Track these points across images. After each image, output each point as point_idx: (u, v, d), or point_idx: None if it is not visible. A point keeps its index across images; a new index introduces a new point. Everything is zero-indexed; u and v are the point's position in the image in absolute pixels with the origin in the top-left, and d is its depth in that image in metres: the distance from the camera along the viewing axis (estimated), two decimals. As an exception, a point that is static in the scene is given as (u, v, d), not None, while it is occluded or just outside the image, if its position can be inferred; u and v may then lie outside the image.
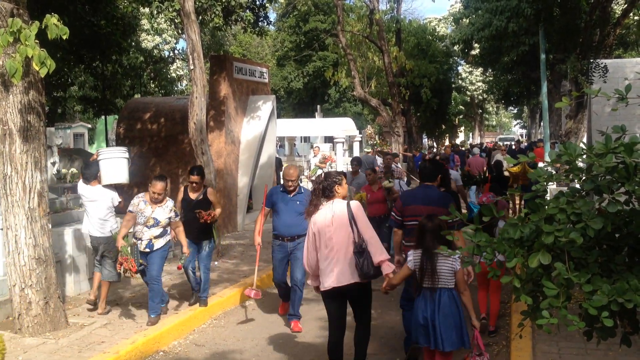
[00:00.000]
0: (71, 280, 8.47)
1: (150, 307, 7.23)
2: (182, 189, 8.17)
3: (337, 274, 5.19)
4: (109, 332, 6.86)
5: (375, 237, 5.26)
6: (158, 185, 7.20)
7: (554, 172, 3.16)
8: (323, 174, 5.76)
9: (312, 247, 5.39)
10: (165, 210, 7.31)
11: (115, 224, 7.91)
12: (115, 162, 8.04)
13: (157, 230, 7.27)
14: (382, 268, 5.14)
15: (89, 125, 28.64)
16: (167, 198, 7.39)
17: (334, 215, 5.28)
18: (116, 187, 8.03)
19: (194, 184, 7.94)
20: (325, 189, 5.41)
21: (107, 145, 19.90)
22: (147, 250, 7.22)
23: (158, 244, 7.27)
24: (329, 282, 5.23)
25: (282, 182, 7.74)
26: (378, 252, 5.14)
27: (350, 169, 12.08)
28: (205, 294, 7.93)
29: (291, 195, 7.27)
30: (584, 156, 2.99)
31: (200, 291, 7.91)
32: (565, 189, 3.35)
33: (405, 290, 5.86)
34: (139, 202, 7.30)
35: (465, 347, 4.85)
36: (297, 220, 7.14)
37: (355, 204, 5.38)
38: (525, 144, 31.44)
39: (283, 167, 6.93)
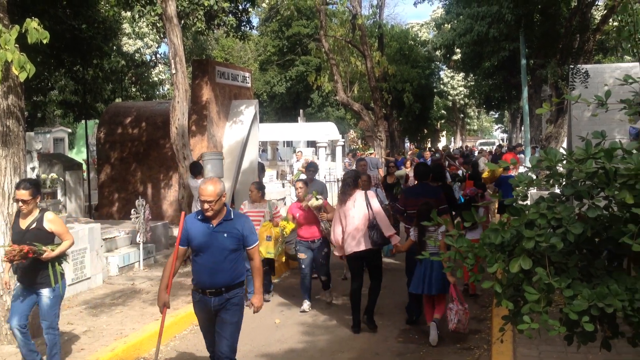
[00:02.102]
0: (51, 286, 8.32)
1: None
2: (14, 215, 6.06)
3: (356, 242, 7.17)
4: (88, 339, 6.79)
5: (384, 216, 7.25)
6: None
7: (534, 177, 3.18)
8: (348, 171, 7.81)
9: (338, 224, 7.33)
10: None
11: None
12: (213, 162, 10.47)
13: None
14: (391, 239, 7.20)
15: (69, 130, 28.24)
16: None
17: (355, 200, 7.25)
18: None
19: (21, 204, 5.49)
20: (354, 181, 7.37)
21: (88, 150, 19.75)
22: None
23: None
24: (351, 248, 7.21)
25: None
26: (387, 229, 7.16)
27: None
28: None
29: (214, 225, 4.85)
30: (564, 162, 3.01)
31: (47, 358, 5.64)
32: (545, 193, 3.36)
33: (408, 265, 7.76)
34: None
35: (445, 293, 6.81)
36: (225, 262, 4.85)
37: (370, 194, 7.47)
38: (506, 148, 31.72)
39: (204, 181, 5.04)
